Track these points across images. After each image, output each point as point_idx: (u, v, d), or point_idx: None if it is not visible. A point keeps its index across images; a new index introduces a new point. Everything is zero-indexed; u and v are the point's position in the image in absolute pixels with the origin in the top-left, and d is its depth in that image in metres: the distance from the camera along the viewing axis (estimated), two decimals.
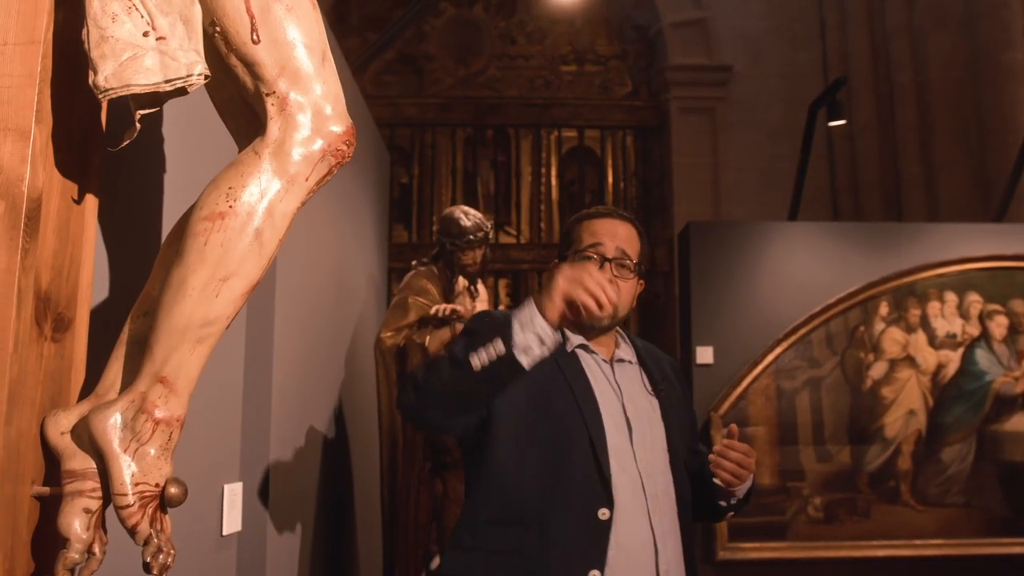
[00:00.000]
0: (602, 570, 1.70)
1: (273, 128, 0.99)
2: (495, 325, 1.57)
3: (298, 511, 2.45)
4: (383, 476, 3.40)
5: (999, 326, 5.03)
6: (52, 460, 1.01)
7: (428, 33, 8.80)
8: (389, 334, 3.33)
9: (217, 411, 1.78)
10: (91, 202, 1.10)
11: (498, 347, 1.53)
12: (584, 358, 1.92)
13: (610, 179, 8.78)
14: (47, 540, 1.01)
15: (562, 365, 1.86)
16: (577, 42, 8.94)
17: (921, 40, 7.44)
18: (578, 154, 8.92)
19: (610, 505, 1.74)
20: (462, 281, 3.51)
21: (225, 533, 1.81)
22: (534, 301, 1.56)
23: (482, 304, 3.57)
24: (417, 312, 3.35)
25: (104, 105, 1.13)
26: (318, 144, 0.99)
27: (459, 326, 3.34)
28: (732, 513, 1.99)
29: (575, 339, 1.93)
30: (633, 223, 2.01)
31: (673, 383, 2.04)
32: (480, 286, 3.62)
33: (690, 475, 1.95)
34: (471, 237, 3.46)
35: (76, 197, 1.07)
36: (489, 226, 3.57)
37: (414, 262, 3.65)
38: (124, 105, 1.24)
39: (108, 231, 1.18)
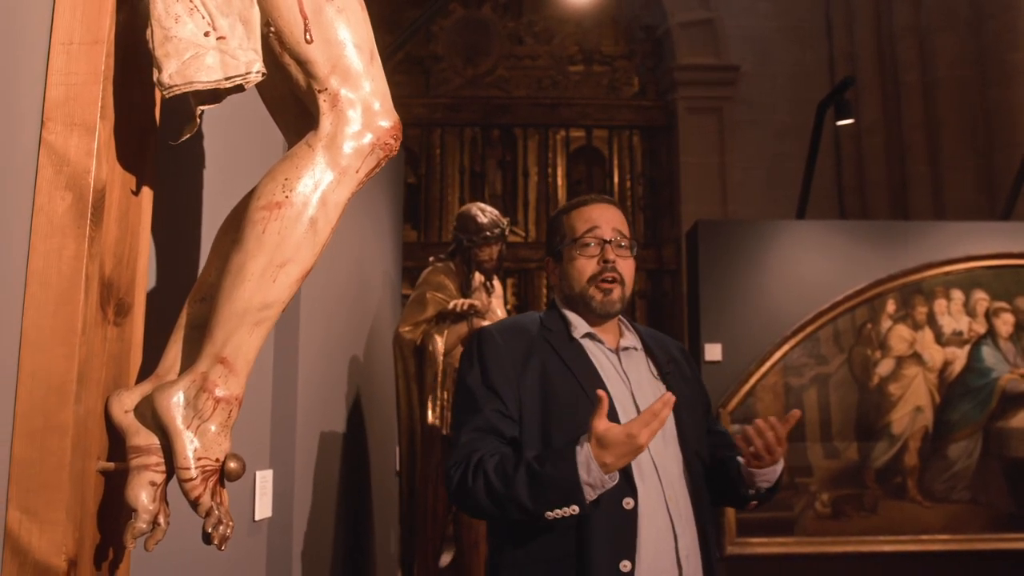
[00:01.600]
0: (633, 560, 1.73)
1: (325, 123, 1.04)
2: (565, 487, 1.66)
3: (322, 499, 2.50)
4: (402, 468, 3.46)
5: (1005, 323, 5.06)
6: (114, 437, 1.07)
7: (436, 33, 8.86)
8: (408, 328, 3.39)
9: (249, 402, 1.83)
10: (147, 194, 1.16)
11: (574, 509, 1.66)
12: (591, 348, 1.94)
13: (616, 178, 8.84)
14: (110, 513, 1.07)
15: (568, 361, 1.88)
16: (585, 42, 9.00)
17: (928, 40, 7.50)
18: (585, 153, 8.98)
19: (634, 494, 1.76)
20: (478, 277, 3.56)
21: (257, 518, 1.87)
22: (597, 461, 1.64)
23: (497, 300, 3.63)
24: (435, 307, 3.40)
25: (158, 101, 1.19)
26: (368, 138, 1.05)
27: (476, 321, 3.40)
28: (754, 506, 1.98)
29: (581, 327, 1.95)
30: (617, 205, 2.05)
31: (681, 365, 2.04)
32: (496, 282, 3.68)
33: (707, 456, 1.96)
34: (488, 234, 3.52)
35: (134, 189, 1.12)
36: (506, 223, 3.62)
37: (431, 258, 3.71)
38: (175, 102, 1.30)
39: (156, 222, 1.23)
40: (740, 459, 1.92)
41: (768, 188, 7.94)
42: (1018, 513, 4.90)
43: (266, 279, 1.00)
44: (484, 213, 3.56)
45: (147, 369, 1.17)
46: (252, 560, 1.87)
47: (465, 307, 3.36)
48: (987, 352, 5.04)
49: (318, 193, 1.02)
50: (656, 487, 1.80)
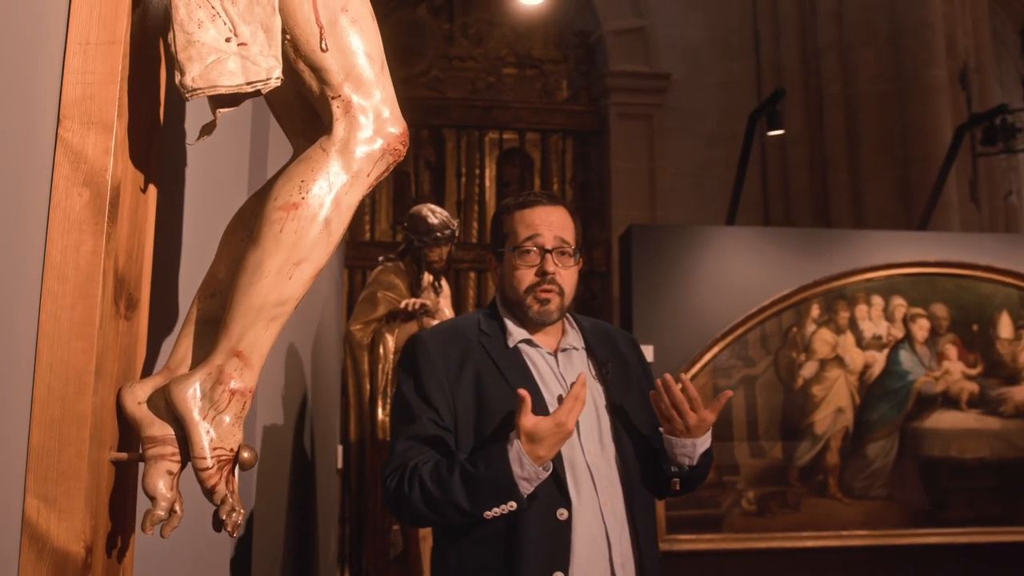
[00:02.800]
0: (566, 571, 1.73)
1: (339, 128, 1.09)
2: (500, 484, 1.68)
3: (274, 494, 2.52)
4: (349, 465, 3.49)
5: (921, 329, 5.30)
6: (124, 429, 1.10)
7: None
8: (359, 327, 3.42)
9: None
10: (152, 191, 1.19)
11: (512, 505, 1.69)
12: (528, 352, 1.92)
13: (539, 181, 8.94)
14: (120, 503, 1.10)
15: (503, 368, 1.87)
16: (518, 46, 9.07)
17: (850, 55, 7.77)
18: (516, 156, 9.05)
19: (568, 505, 1.76)
20: (428, 277, 3.61)
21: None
22: (529, 456, 1.67)
23: (446, 300, 3.68)
24: (386, 306, 3.44)
25: (162, 101, 1.22)
26: (378, 144, 1.10)
27: (426, 320, 3.45)
28: (677, 487, 1.92)
29: (517, 333, 1.93)
30: (563, 204, 1.98)
31: (627, 361, 2.02)
32: (444, 282, 3.73)
33: (647, 453, 1.93)
34: (438, 234, 3.57)
35: (143, 187, 1.15)
36: (455, 224, 3.68)
37: (381, 258, 3.74)
38: (176, 102, 1.33)
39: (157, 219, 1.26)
40: (660, 429, 1.90)
41: (696, 194, 8.13)
42: (931, 510, 5.14)
43: (282, 276, 1.04)
44: (435, 214, 3.61)
45: (151, 363, 1.20)
46: (219, 549, 1.89)
47: (416, 306, 3.41)
48: (904, 356, 5.27)
49: (332, 195, 1.06)
50: (591, 495, 1.80)
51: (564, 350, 1.96)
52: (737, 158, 6.08)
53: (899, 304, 5.31)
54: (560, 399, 1.83)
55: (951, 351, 5.30)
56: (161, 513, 1.01)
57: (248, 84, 1.03)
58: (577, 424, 1.79)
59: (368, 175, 1.10)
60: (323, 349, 3.70)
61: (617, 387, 1.95)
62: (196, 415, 1.03)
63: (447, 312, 3.64)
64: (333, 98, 1.09)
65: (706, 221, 7.29)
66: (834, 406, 5.19)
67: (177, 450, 1.05)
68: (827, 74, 7.91)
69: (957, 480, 5.20)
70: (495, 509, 1.69)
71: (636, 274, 5.13)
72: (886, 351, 5.26)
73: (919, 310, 5.31)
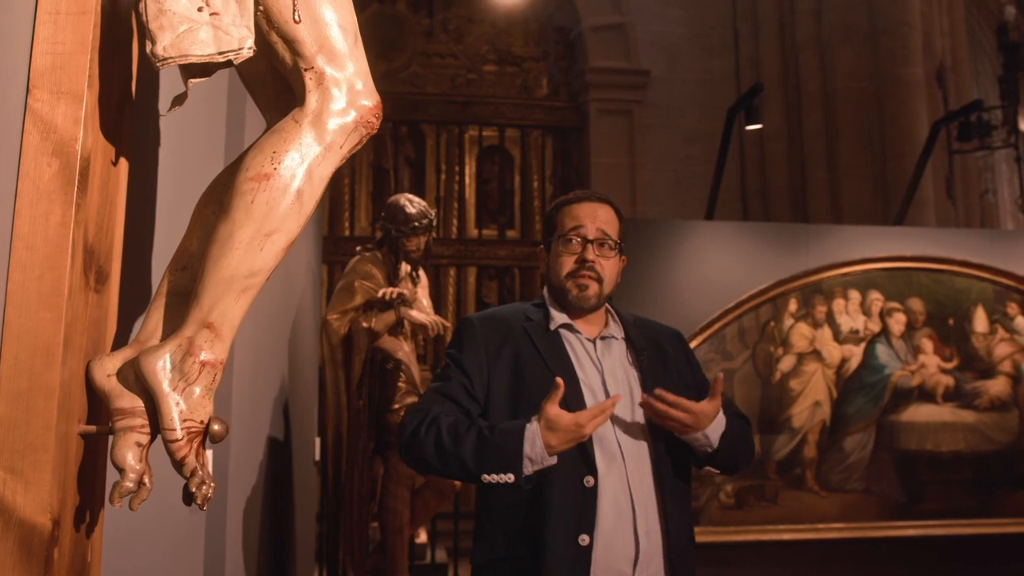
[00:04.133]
0: (591, 534, 1.83)
1: (311, 100, 1.08)
2: (507, 454, 1.80)
3: (253, 483, 2.51)
4: (327, 453, 3.48)
5: (898, 323, 5.34)
6: (93, 402, 1.09)
7: None
8: (336, 316, 3.40)
9: None
10: (123, 164, 1.18)
11: (508, 477, 1.80)
12: (567, 337, 2.03)
13: (519, 178, 8.96)
14: (88, 476, 1.09)
15: (542, 350, 1.99)
16: (498, 42, 9.07)
17: (828, 52, 7.82)
18: (497, 152, 9.05)
19: (594, 473, 1.86)
20: (405, 267, 3.60)
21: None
22: (543, 440, 1.78)
23: (423, 290, 3.67)
24: (363, 295, 3.43)
25: (135, 73, 1.21)
26: (351, 116, 1.09)
27: (404, 310, 3.44)
28: (718, 471, 2.04)
29: (559, 318, 2.05)
30: (611, 204, 2.12)
31: (667, 354, 2.10)
32: (422, 272, 3.72)
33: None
34: (416, 224, 3.56)
35: (113, 159, 1.14)
36: (433, 214, 3.67)
37: (359, 248, 3.73)
38: (150, 75, 1.32)
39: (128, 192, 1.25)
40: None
41: (676, 190, 8.16)
42: (908, 502, 5.18)
43: (253, 247, 1.04)
44: (412, 204, 3.60)
45: (121, 337, 1.19)
46: (194, 538, 1.88)
47: (394, 295, 3.40)
48: (881, 350, 5.31)
49: (304, 166, 1.06)
50: (619, 467, 1.89)
51: (604, 338, 2.06)
52: (716, 155, 6.10)
53: (876, 298, 5.34)
54: (606, 392, 1.97)
55: (927, 345, 5.34)
56: (129, 485, 1.01)
57: (220, 54, 1.02)
58: None
59: (341, 147, 1.09)
60: (300, 341, 3.69)
61: (652, 373, 2.03)
62: (166, 387, 1.02)
63: (425, 302, 3.63)
64: (306, 70, 1.09)
65: (686, 217, 7.32)
66: (811, 400, 5.22)
67: (146, 422, 1.04)
68: (806, 71, 7.96)
69: (933, 473, 5.24)
70: (494, 475, 1.81)
71: None
72: (863, 345, 5.30)
73: (895, 304, 5.36)
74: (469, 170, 9.00)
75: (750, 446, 2.10)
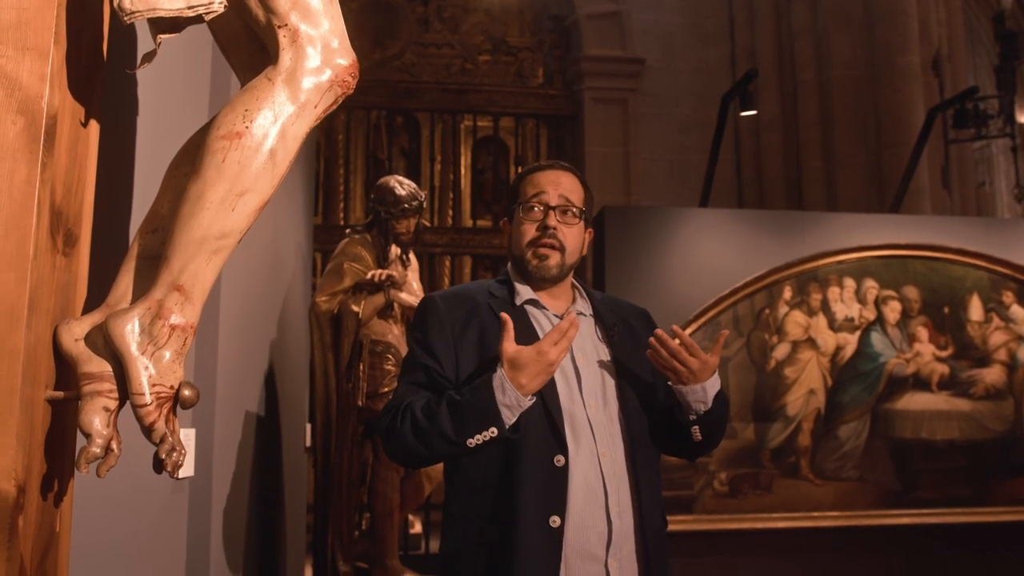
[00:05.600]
0: (562, 515, 1.77)
1: (285, 58, 1.05)
2: (482, 410, 1.74)
3: (239, 462, 2.49)
4: (316, 437, 3.45)
5: (893, 311, 5.31)
6: (61, 369, 1.06)
7: (344, 15, 8.74)
8: (324, 298, 3.37)
9: None
10: (94, 126, 1.15)
11: (493, 432, 1.73)
12: (534, 314, 1.97)
13: (514, 167, 8.94)
14: (56, 444, 1.06)
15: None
16: (494, 30, 9.03)
17: (824, 41, 7.79)
18: (492, 141, 9.03)
19: (564, 452, 1.80)
20: (395, 249, 3.57)
21: (180, 476, 1.85)
22: (512, 382, 1.73)
23: (413, 272, 3.64)
24: (352, 278, 3.40)
25: (106, 35, 1.18)
26: (327, 74, 1.06)
27: (393, 292, 3.41)
28: (699, 437, 1.93)
29: (524, 293, 1.98)
30: (574, 172, 2.06)
31: (636, 331, 2.04)
32: (411, 255, 3.69)
33: (658, 417, 1.96)
34: (406, 206, 3.53)
35: (83, 120, 1.11)
36: (423, 196, 3.64)
37: (348, 229, 3.69)
38: (124, 35, 1.29)
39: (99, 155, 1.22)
40: (669, 383, 1.94)
41: (670, 179, 8.13)
42: (902, 491, 5.16)
43: (225, 207, 1.01)
44: (402, 186, 3.57)
45: (92, 302, 1.16)
46: (175, 516, 1.86)
47: (383, 277, 3.37)
48: (876, 338, 5.28)
49: (278, 125, 1.03)
50: (589, 446, 1.83)
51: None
52: (711, 144, 6.07)
53: (871, 286, 5.31)
54: (576, 370, 1.91)
55: (922, 333, 5.32)
56: (96, 450, 0.98)
57: (189, 8, 1.00)
58: (579, 379, 1.89)
59: (316, 106, 1.06)
60: (291, 324, 3.66)
61: (623, 350, 1.98)
62: (134, 350, 0.99)
63: (415, 285, 3.60)
64: (279, 27, 1.06)
65: (681, 206, 7.29)
66: (806, 388, 5.19)
67: (115, 387, 1.01)
68: (801, 60, 7.93)
69: (927, 461, 5.22)
70: (477, 436, 1.73)
71: (609, 256, 5.10)
72: (858, 333, 5.27)
73: (891, 292, 5.33)
74: (464, 160, 8.98)
75: (727, 423, 2.05)
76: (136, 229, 1.32)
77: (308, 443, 3.85)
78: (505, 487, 1.79)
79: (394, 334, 3.44)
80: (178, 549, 1.88)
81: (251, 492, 2.70)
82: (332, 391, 3.36)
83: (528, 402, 1.75)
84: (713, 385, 1.90)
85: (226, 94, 1.95)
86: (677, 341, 1.86)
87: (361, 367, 3.33)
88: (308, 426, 3.88)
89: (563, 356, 1.74)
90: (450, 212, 8.76)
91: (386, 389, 3.30)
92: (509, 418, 1.73)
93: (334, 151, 8.73)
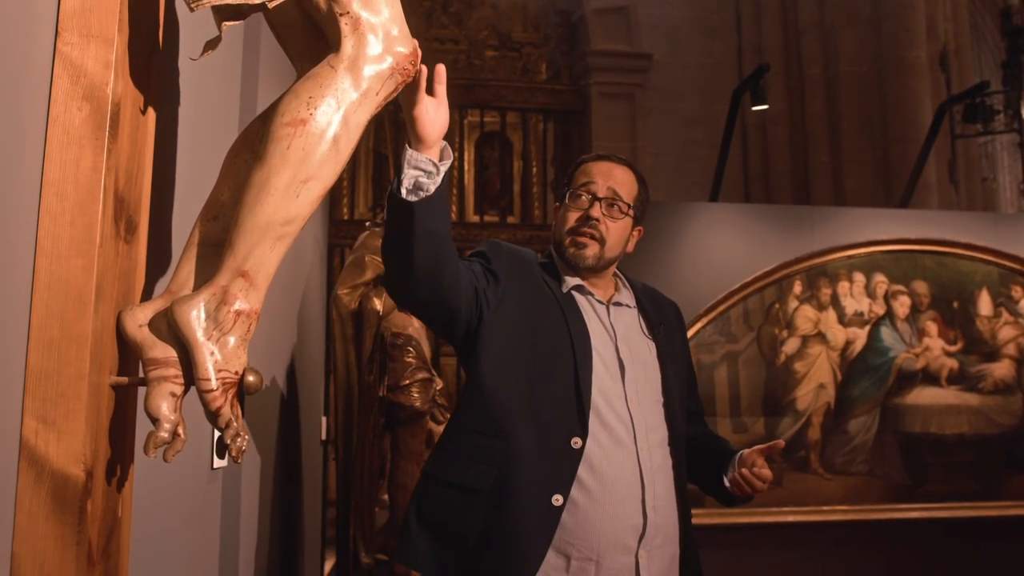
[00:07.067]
0: (566, 496, 1.74)
1: (347, 45, 1.05)
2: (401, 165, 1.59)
3: (264, 454, 2.50)
4: (336, 428, 3.45)
5: (902, 305, 5.32)
6: (124, 354, 1.06)
7: None
8: (346, 291, 3.38)
9: None
10: (151, 114, 1.15)
11: (417, 174, 1.58)
12: (580, 299, 1.94)
13: (519, 162, 8.93)
14: (120, 430, 1.06)
15: (559, 299, 1.90)
16: (500, 25, 9.02)
17: (831, 36, 7.79)
18: (497, 138, 9.02)
19: (583, 435, 1.77)
20: None
21: (215, 467, 1.86)
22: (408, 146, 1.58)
23: None
24: (374, 270, 3.40)
25: (161, 23, 1.18)
26: (388, 62, 1.07)
27: None
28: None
29: (571, 281, 1.94)
30: (632, 168, 2.03)
31: (673, 326, 2.06)
32: None
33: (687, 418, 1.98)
34: None
35: (142, 108, 1.12)
36: None
37: (368, 223, 3.71)
38: (179, 22, 1.29)
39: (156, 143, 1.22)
40: (726, 479, 1.93)
41: (677, 174, 8.14)
42: (911, 485, 5.17)
43: (290, 194, 1.01)
44: None
45: (148, 290, 1.16)
46: (210, 505, 1.86)
47: None
48: (885, 332, 5.29)
49: (341, 112, 1.03)
50: (629, 437, 1.81)
51: (616, 304, 1.98)
52: (718, 139, 6.08)
53: (880, 281, 5.32)
54: (619, 360, 1.88)
55: (932, 328, 5.32)
56: (164, 435, 0.98)
57: None
58: (623, 370, 1.86)
59: (377, 94, 1.07)
60: (309, 316, 3.67)
61: (668, 349, 1.98)
62: (200, 336, 1.00)
63: None
64: (342, 15, 1.06)
65: (688, 201, 7.29)
66: (816, 382, 5.20)
67: (180, 372, 1.02)
68: (808, 55, 7.94)
69: (937, 455, 5.23)
70: (412, 195, 1.58)
71: None
72: (867, 328, 5.27)
73: (900, 287, 5.33)
74: (469, 156, 8.97)
75: None
76: (179, 216, 1.32)
77: (324, 436, 3.86)
78: (509, 442, 1.76)
79: (414, 327, 3.44)
80: (213, 537, 1.89)
81: (274, 484, 2.71)
82: (353, 383, 3.37)
83: (421, 157, 1.57)
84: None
85: (254, 81, 1.96)
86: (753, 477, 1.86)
87: (382, 359, 3.34)
88: (324, 419, 3.89)
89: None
90: (454, 207, 8.76)
91: (407, 381, 3.30)
92: (406, 176, 1.58)
93: None
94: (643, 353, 1.93)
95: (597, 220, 1.92)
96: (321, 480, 3.84)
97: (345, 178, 8.67)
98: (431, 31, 8.99)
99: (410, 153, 1.57)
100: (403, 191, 1.58)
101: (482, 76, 8.81)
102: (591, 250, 1.92)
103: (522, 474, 1.74)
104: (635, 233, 2.02)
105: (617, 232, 1.95)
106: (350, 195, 8.68)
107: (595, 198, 1.93)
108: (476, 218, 8.84)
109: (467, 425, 1.83)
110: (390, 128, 8.75)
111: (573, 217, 1.95)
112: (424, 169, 1.58)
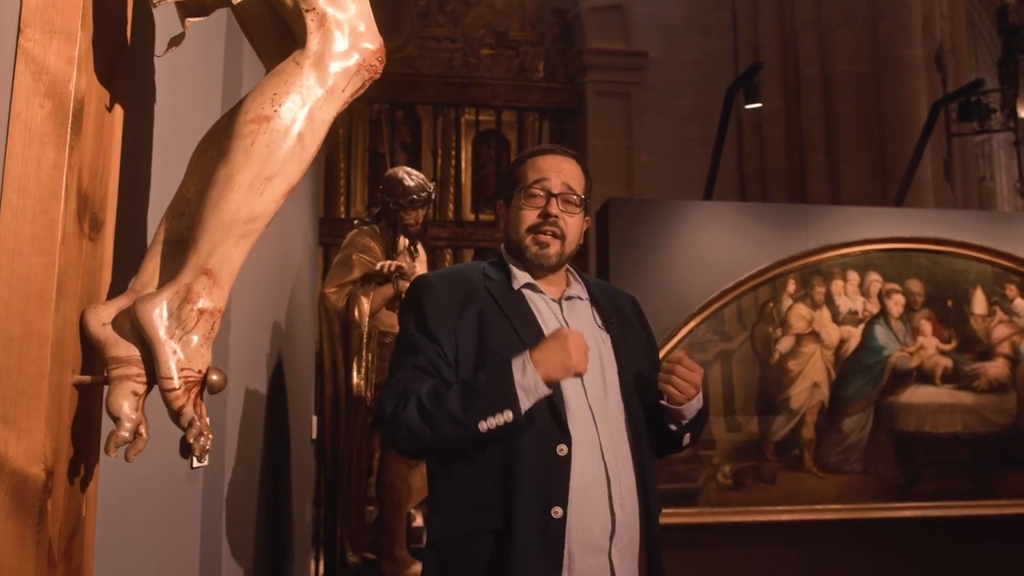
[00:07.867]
0: (564, 506, 1.73)
1: (313, 41, 1.05)
2: (498, 391, 1.70)
3: (250, 453, 2.49)
4: (324, 428, 3.45)
5: (896, 304, 5.31)
6: (87, 354, 1.06)
7: None
8: (333, 290, 3.38)
9: None
10: (118, 111, 1.14)
11: (507, 416, 1.68)
12: (531, 297, 1.93)
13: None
14: (82, 429, 1.06)
15: (507, 309, 1.88)
16: (496, 23, 9.02)
17: (828, 35, 7.78)
18: (493, 137, 9.02)
19: (567, 441, 1.76)
20: (403, 240, 3.57)
21: (195, 466, 1.85)
22: (533, 363, 1.70)
23: (421, 264, 3.64)
24: (361, 269, 3.40)
25: (129, 19, 1.17)
26: (354, 59, 1.06)
27: (402, 283, 3.41)
28: (688, 441, 1.96)
29: (521, 277, 1.94)
30: (577, 159, 2.02)
31: (629, 318, 2.04)
32: (420, 247, 3.69)
33: (649, 410, 1.94)
34: (414, 197, 3.53)
35: (108, 105, 1.11)
36: (432, 187, 3.64)
37: (356, 220, 3.70)
38: (144, 21, 1.28)
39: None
40: (662, 401, 1.91)
41: (673, 172, 8.13)
42: (905, 484, 5.16)
43: (253, 191, 1.00)
44: (411, 177, 3.57)
45: (116, 288, 1.15)
46: (188, 505, 1.85)
47: (392, 268, 3.37)
48: (879, 331, 5.28)
49: (306, 109, 1.03)
50: (592, 435, 1.80)
51: (568, 299, 1.98)
52: (713, 138, 6.06)
53: (875, 279, 5.31)
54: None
55: (926, 327, 5.32)
56: (125, 434, 0.97)
57: None
58: None
59: (343, 91, 1.06)
60: (298, 316, 3.66)
61: (624, 338, 1.96)
62: (163, 334, 0.99)
63: None
64: (307, 11, 1.05)
65: (683, 199, 7.28)
66: (810, 381, 5.19)
67: (143, 371, 1.01)
68: (804, 54, 7.93)
69: (931, 454, 5.22)
70: (490, 419, 1.68)
71: (613, 249, 5.10)
72: (862, 326, 5.27)
73: (894, 286, 5.32)
74: (465, 154, 8.97)
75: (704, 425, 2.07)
76: (153, 214, 1.31)
77: (314, 436, 3.85)
78: (505, 477, 1.75)
79: None
80: (192, 537, 1.88)
81: (260, 483, 2.70)
82: (341, 382, 3.37)
83: (545, 391, 1.70)
84: (699, 400, 1.91)
85: (237, 77, 1.95)
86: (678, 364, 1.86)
87: (370, 358, 3.33)
88: (314, 418, 3.88)
89: (584, 365, 1.72)
90: (451, 206, 8.75)
91: None
92: (525, 402, 1.68)
93: (335, 145, 8.73)
94: (598, 346, 1.91)
95: (556, 217, 1.92)
96: (312, 480, 3.83)
97: (341, 177, 8.67)
98: (428, 29, 8.99)
99: (536, 375, 1.70)
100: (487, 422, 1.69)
101: (478, 74, 8.81)
102: (554, 248, 1.92)
103: (523, 496, 1.74)
104: (585, 224, 2.02)
105: (575, 227, 1.96)
106: (346, 194, 8.68)
107: (551, 194, 1.92)
108: (472, 217, 8.83)
109: (462, 474, 1.82)
110: (387, 126, 8.75)
111: (531, 215, 1.94)
112: (542, 394, 1.71)
